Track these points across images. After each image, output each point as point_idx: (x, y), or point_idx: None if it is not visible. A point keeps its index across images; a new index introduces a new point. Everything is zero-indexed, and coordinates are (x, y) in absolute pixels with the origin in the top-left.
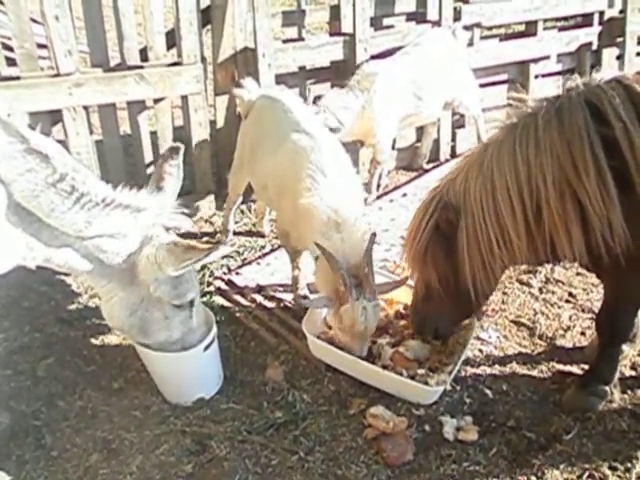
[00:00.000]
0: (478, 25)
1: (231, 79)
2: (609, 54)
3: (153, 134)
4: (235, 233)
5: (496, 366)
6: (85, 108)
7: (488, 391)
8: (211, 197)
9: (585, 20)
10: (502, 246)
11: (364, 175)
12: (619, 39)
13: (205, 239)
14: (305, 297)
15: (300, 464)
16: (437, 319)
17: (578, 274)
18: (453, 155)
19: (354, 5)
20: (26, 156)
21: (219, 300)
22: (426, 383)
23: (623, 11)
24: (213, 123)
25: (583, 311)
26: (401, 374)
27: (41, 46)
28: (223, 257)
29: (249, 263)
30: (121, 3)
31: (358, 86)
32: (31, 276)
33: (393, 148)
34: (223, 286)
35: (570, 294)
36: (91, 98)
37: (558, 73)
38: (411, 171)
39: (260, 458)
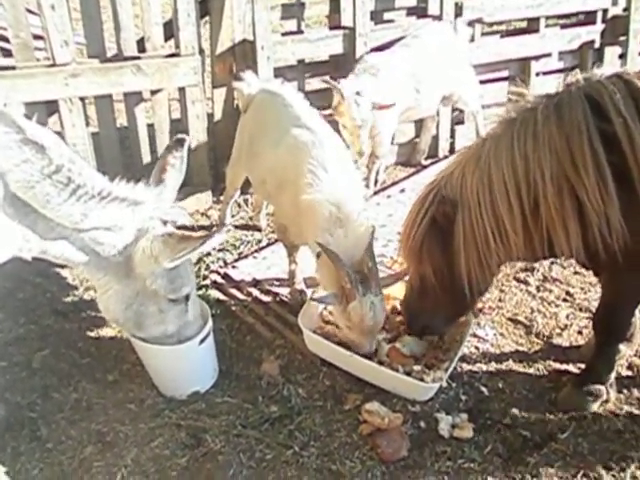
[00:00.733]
0: (479, 21)
1: (229, 71)
2: (612, 52)
3: (150, 126)
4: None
5: (492, 363)
6: (81, 99)
7: (484, 388)
8: (208, 190)
9: (588, 18)
10: (498, 241)
11: (363, 170)
12: (622, 37)
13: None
14: (302, 291)
15: (295, 459)
16: (430, 315)
17: (576, 273)
18: (452, 151)
19: None
20: (22, 146)
21: (215, 293)
22: (422, 380)
23: (627, 9)
24: (210, 116)
25: (580, 310)
26: (397, 370)
27: (37, 37)
28: (219, 250)
29: (245, 257)
30: None
31: (364, 74)
32: (26, 268)
33: (392, 143)
34: (219, 279)
35: (568, 293)
36: (87, 89)
37: (559, 71)
38: (409, 167)
39: (255, 452)
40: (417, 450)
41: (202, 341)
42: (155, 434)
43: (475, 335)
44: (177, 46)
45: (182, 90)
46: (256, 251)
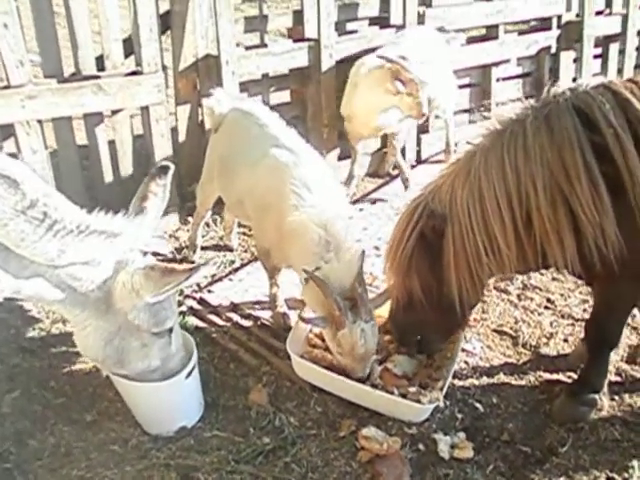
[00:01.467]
0: (441, 29)
1: (193, 88)
2: (567, 57)
3: (111, 143)
4: (202, 248)
5: (484, 378)
6: (39, 121)
7: (479, 405)
8: (175, 211)
9: (544, 24)
10: (490, 255)
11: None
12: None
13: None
14: (285, 315)
15: None
16: (419, 331)
17: (554, 279)
18: (419, 160)
19: (318, 10)
20: None
21: (193, 320)
22: (419, 401)
23: (579, 15)
24: (174, 134)
25: (563, 317)
26: (392, 393)
27: None
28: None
29: (220, 280)
30: (74, 9)
31: None
32: None
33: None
34: (196, 305)
35: (549, 300)
36: (45, 111)
37: (518, 76)
38: (377, 177)
39: None
40: (419, 475)
41: (189, 374)
42: (143, 477)
43: (463, 349)
44: (138, 63)
45: (145, 109)
46: (231, 273)
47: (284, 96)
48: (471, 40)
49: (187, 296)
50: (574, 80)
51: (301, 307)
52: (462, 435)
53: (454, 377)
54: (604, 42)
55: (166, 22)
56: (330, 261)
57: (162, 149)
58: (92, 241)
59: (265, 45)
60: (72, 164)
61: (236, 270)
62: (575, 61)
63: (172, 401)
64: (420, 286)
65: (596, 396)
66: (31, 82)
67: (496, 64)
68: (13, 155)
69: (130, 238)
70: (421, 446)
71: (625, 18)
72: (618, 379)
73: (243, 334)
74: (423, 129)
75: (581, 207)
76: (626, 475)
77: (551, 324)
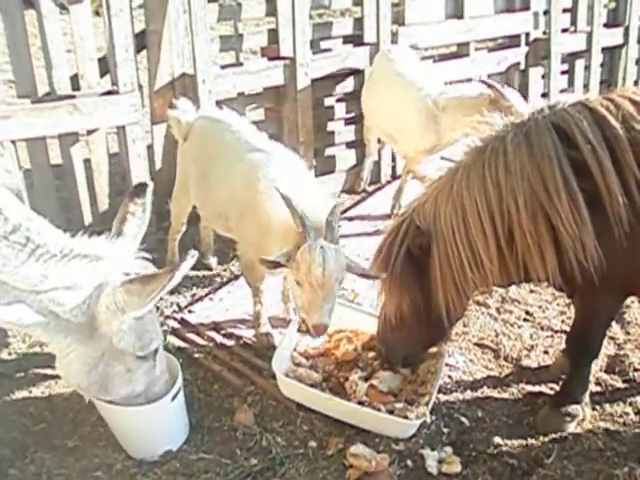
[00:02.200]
0: (414, 47)
1: (169, 107)
2: (535, 73)
3: (87, 161)
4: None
5: (468, 392)
6: (13, 142)
7: (464, 419)
8: (152, 230)
9: (512, 41)
10: (474, 270)
11: None
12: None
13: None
14: (268, 334)
15: None
16: (406, 346)
17: (532, 292)
18: (394, 176)
19: (294, 28)
20: None
21: (174, 341)
22: (406, 417)
23: (546, 32)
24: (150, 151)
25: (542, 329)
26: (379, 410)
27: None
28: (171, 293)
29: (200, 299)
30: (48, 29)
31: None
32: None
33: (334, 171)
34: (177, 325)
35: (527, 312)
36: (19, 131)
37: None
38: (353, 194)
39: None
40: None
41: (174, 397)
42: None
43: (446, 364)
44: (114, 83)
45: (122, 128)
46: (211, 292)
47: (259, 114)
48: (443, 57)
49: (168, 317)
50: (543, 95)
51: (284, 325)
52: (449, 450)
53: (439, 392)
54: (570, 59)
55: (142, 41)
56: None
57: (139, 169)
58: (75, 265)
59: (241, 64)
60: (46, 184)
61: (216, 289)
62: (543, 77)
63: (157, 425)
64: (409, 302)
65: (579, 407)
66: (4, 102)
67: (468, 80)
68: None
69: (112, 261)
70: (409, 462)
71: (590, 35)
72: (598, 389)
73: (226, 354)
74: None
75: (561, 221)
76: None
77: (531, 336)
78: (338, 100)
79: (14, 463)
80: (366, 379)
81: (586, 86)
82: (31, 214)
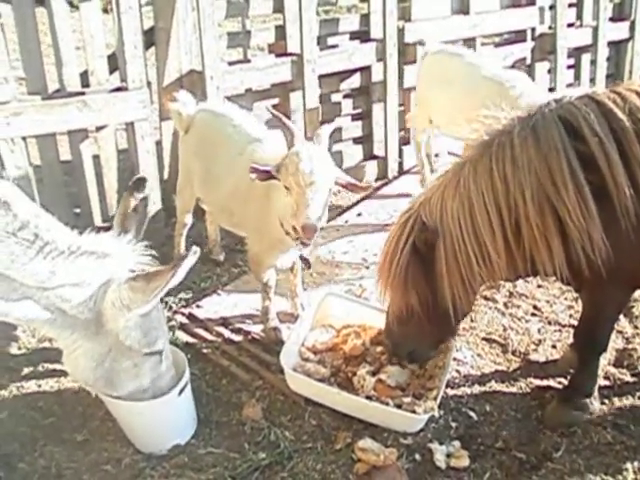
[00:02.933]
0: (420, 43)
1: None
2: (542, 68)
3: (96, 157)
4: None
5: (475, 386)
6: (23, 138)
7: (472, 413)
8: (161, 226)
9: (518, 36)
10: (481, 264)
11: None
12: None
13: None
14: (276, 329)
15: None
16: (414, 342)
17: (539, 286)
18: (400, 172)
19: (301, 25)
20: None
21: (182, 336)
22: (414, 411)
23: (552, 27)
24: (158, 147)
25: (550, 324)
26: (387, 404)
27: None
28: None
29: (208, 294)
30: (59, 26)
31: None
32: None
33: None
34: (185, 320)
35: (535, 307)
36: (30, 128)
37: None
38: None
39: None
40: None
41: (181, 391)
42: None
43: (454, 358)
44: (123, 79)
45: (131, 125)
46: (219, 288)
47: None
48: None
49: (176, 312)
50: (550, 90)
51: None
52: (457, 444)
53: (447, 386)
54: (576, 53)
55: (150, 38)
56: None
57: (147, 165)
58: (82, 262)
59: (248, 60)
60: (56, 180)
61: (224, 285)
62: (549, 72)
63: (165, 419)
64: (416, 298)
65: (587, 400)
66: (15, 99)
67: None
68: None
69: (118, 258)
70: (417, 456)
71: (595, 30)
72: (607, 383)
73: (234, 349)
74: (405, 141)
75: (568, 214)
76: (620, 477)
77: (539, 331)
78: (345, 96)
79: (23, 457)
80: (374, 374)
81: (592, 80)
82: (39, 211)
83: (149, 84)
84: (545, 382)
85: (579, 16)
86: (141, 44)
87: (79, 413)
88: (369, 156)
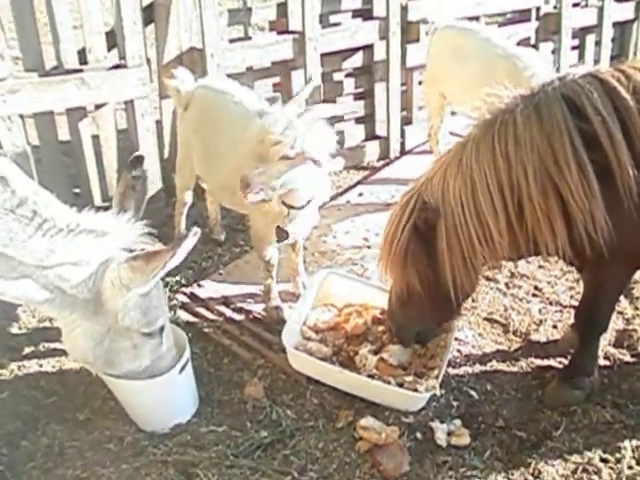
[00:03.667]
0: (424, 21)
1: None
2: (546, 48)
3: (95, 137)
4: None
5: (477, 366)
6: (21, 116)
7: (473, 392)
8: (162, 205)
9: (522, 16)
10: (483, 243)
11: None
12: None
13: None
14: (278, 307)
15: None
16: (418, 323)
17: (541, 267)
18: (402, 152)
19: (303, 2)
20: None
21: (184, 315)
22: (416, 390)
23: (556, 7)
24: (158, 126)
25: (551, 304)
26: (389, 383)
27: None
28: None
29: (210, 274)
30: (55, 2)
31: None
32: None
33: (342, 147)
34: (186, 300)
35: (536, 287)
36: (27, 105)
37: None
38: (361, 169)
39: None
40: (418, 463)
41: (182, 370)
42: (141, 474)
43: (455, 338)
44: (122, 57)
45: (130, 103)
46: (220, 267)
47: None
48: None
49: (177, 291)
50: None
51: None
52: (458, 422)
53: (448, 365)
54: (581, 34)
55: (149, 15)
56: None
57: (147, 144)
58: (81, 240)
59: (249, 38)
60: (55, 160)
61: (226, 264)
62: (554, 52)
63: (166, 397)
64: (417, 278)
65: (587, 380)
66: (12, 76)
67: None
68: None
69: (118, 237)
70: (419, 434)
71: (600, 10)
72: (607, 363)
73: (235, 328)
74: (407, 121)
75: (571, 193)
76: (618, 456)
77: (540, 311)
78: (347, 75)
79: (26, 435)
80: (376, 352)
81: (597, 61)
82: (38, 188)
83: (148, 62)
84: (545, 362)
85: None
86: (140, 20)
87: (81, 392)
88: (371, 136)
